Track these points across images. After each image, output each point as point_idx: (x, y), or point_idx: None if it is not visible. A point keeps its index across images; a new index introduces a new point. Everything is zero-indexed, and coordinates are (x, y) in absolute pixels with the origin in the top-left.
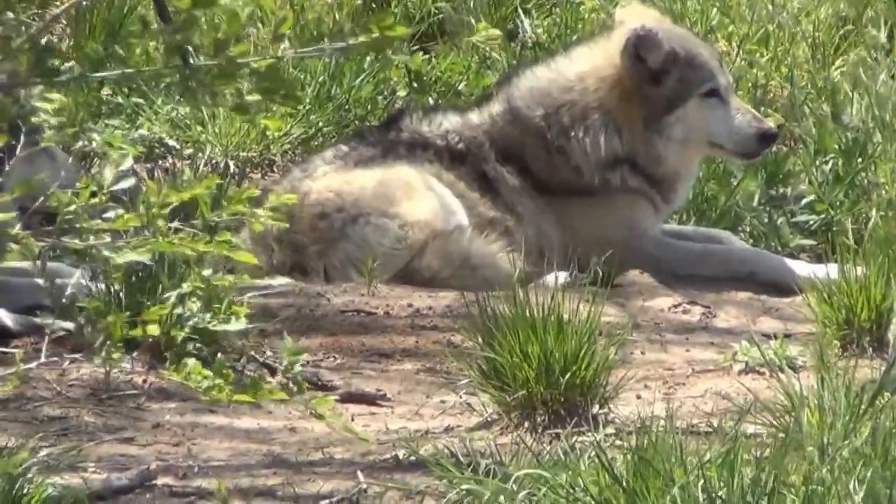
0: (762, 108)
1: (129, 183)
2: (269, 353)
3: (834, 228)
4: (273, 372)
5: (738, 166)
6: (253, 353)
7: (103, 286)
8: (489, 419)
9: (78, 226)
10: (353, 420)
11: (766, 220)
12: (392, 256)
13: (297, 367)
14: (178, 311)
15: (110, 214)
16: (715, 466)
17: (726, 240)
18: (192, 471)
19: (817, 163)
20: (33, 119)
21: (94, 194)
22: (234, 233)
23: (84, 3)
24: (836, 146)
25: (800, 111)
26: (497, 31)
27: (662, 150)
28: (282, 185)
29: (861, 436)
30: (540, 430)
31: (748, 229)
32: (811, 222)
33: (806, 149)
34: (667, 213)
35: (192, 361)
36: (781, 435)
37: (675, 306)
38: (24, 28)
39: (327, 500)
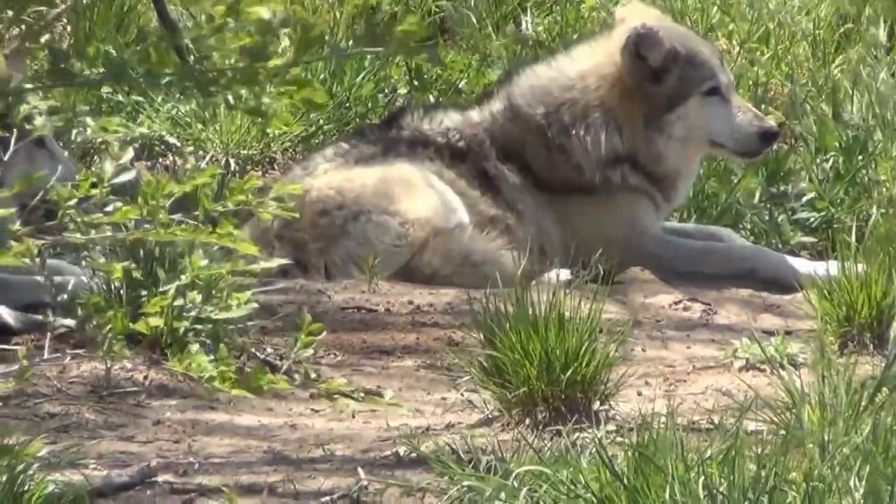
0: (763, 107)
1: (129, 175)
2: (269, 349)
3: (834, 226)
4: (274, 368)
5: (739, 164)
6: (253, 349)
7: (104, 283)
8: (490, 416)
9: (79, 220)
10: (353, 417)
11: (766, 217)
12: (393, 254)
13: (307, 352)
14: (179, 302)
15: (110, 208)
16: (716, 463)
17: (727, 237)
18: (193, 468)
19: (818, 160)
20: (23, 107)
21: (94, 186)
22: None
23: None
24: (837, 144)
25: (800, 109)
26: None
27: (663, 148)
28: (283, 182)
29: (862, 432)
30: (541, 427)
31: (749, 227)
32: (812, 220)
33: (806, 146)
34: (667, 210)
35: (195, 347)
36: (782, 432)
37: (676, 303)
38: (42, 29)
39: (328, 497)
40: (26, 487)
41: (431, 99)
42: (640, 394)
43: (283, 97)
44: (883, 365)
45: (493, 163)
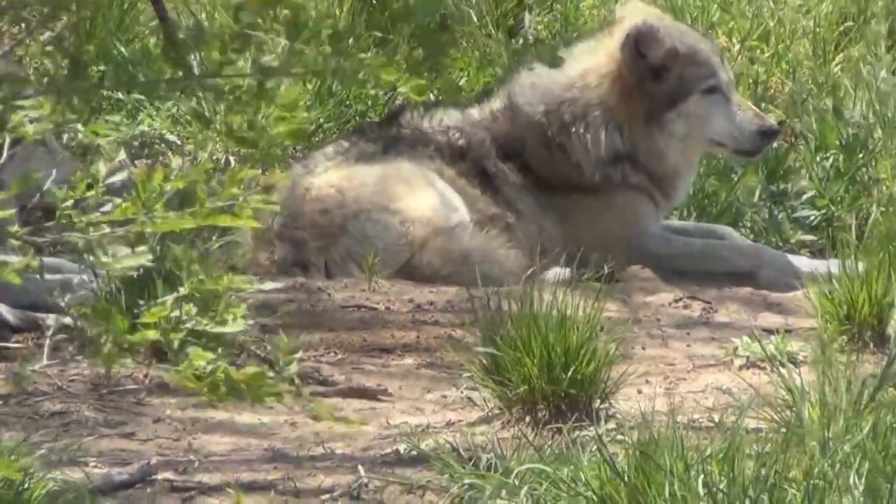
0: (763, 105)
1: (122, 176)
2: (269, 347)
3: (834, 224)
4: (273, 367)
5: (739, 164)
6: (254, 347)
7: (103, 286)
8: (490, 414)
9: (77, 221)
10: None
11: (766, 215)
12: (393, 252)
13: (293, 367)
14: (175, 314)
15: (108, 207)
16: (716, 461)
17: (727, 235)
18: (193, 465)
19: (818, 158)
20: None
21: (89, 187)
22: (234, 230)
23: None
24: (837, 142)
25: (801, 107)
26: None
27: (664, 146)
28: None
29: (862, 431)
30: (541, 425)
31: (749, 225)
32: (812, 218)
33: (807, 144)
34: (667, 209)
35: (194, 350)
36: (782, 430)
37: (676, 301)
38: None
39: (328, 495)
40: (26, 485)
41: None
42: (640, 392)
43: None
44: (883, 363)
45: (493, 161)
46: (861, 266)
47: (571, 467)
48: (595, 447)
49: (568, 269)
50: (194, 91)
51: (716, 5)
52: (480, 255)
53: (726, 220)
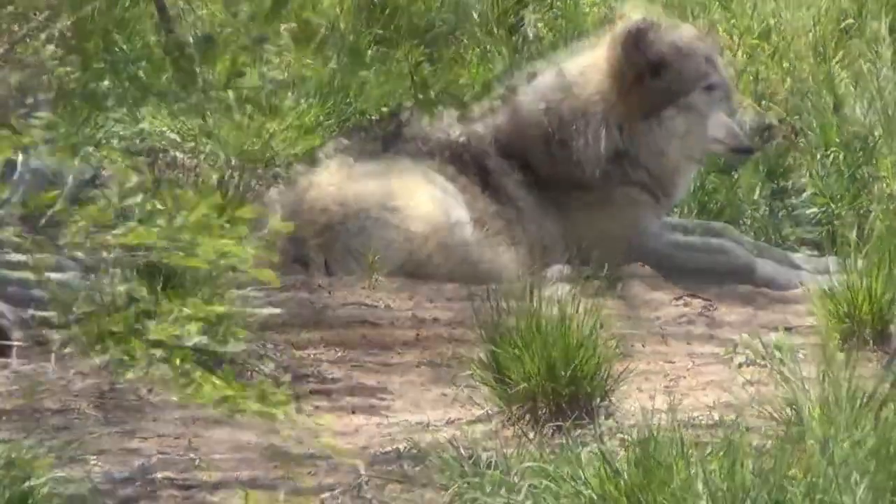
0: (763, 102)
1: (136, 199)
2: (269, 346)
3: (835, 222)
4: (276, 381)
5: (737, 162)
6: (254, 346)
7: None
8: (490, 412)
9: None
10: (353, 412)
11: (766, 213)
12: (393, 250)
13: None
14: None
15: (119, 231)
16: (716, 459)
17: (727, 233)
18: (194, 464)
19: (818, 156)
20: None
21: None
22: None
23: None
24: (837, 140)
25: (801, 105)
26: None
27: (663, 143)
28: (287, 193)
29: (863, 429)
30: (541, 423)
31: (749, 223)
32: (812, 216)
33: (807, 142)
34: (668, 206)
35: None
36: (782, 428)
37: (677, 299)
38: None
39: (328, 493)
40: (28, 484)
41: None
42: (640, 390)
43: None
44: (884, 360)
45: (493, 159)
46: (861, 264)
47: (571, 465)
48: (595, 445)
49: (568, 267)
50: (202, 106)
51: (716, 3)
52: (480, 253)
53: (726, 218)
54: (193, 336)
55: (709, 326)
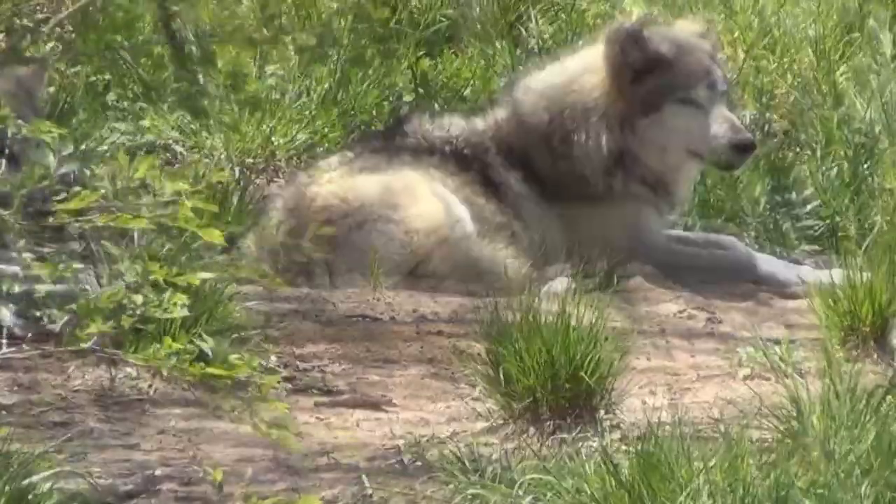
0: (768, 114)
1: (73, 167)
2: (274, 357)
3: (839, 233)
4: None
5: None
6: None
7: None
8: (495, 424)
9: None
10: (358, 425)
11: (771, 225)
12: (397, 262)
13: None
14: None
15: (62, 196)
16: (721, 471)
17: (731, 245)
18: (197, 476)
19: (823, 167)
20: None
21: (43, 178)
22: (240, 239)
23: None
24: (843, 151)
25: (806, 116)
26: None
27: (665, 139)
28: (287, 190)
29: (866, 440)
30: (546, 435)
31: (753, 234)
32: (816, 227)
33: (812, 153)
34: (670, 215)
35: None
36: (787, 439)
37: (680, 312)
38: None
39: (329, 492)
40: (31, 496)
41: (436, 106)
42: (644, 402)
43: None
44: (887, 372)
45: (497, 170)
46: (865, 275)
47: (576, 477)
48: (599, 457)
49: (572, 279)
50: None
51: (721, 15)
52: (485, 264)
53: (731, 230)
54: (138, 305)
55: (713, 338)
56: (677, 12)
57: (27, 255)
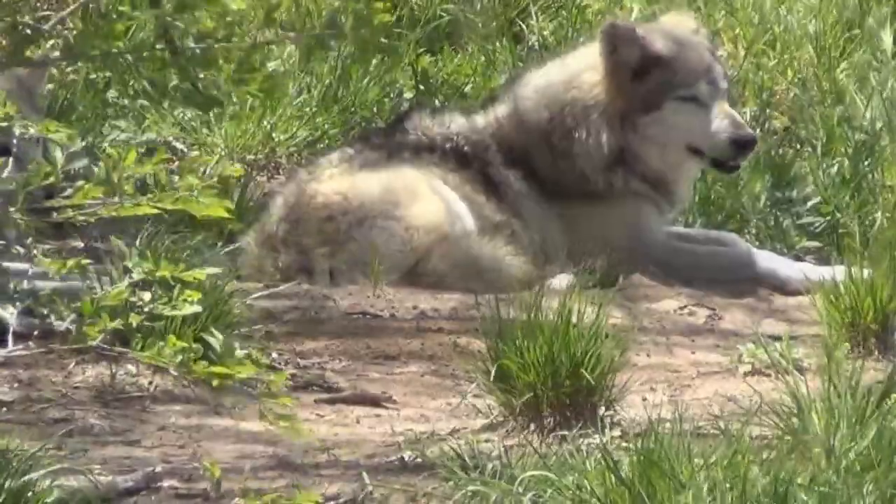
0: (768, 111)
1: (81, 163)
2: (274, 354)
3: (840, 231)
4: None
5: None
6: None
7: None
8: (495, 421)
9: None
10: (357, 420)
11: (772, 222)
12: (398, 259)
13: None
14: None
15: (68, 192)
16: (721, 468)
17: (732, 242)
18: (198, 473)
19: (824, 165)
20: None
21: (48, 175)
22: (239, 236)
23: None
24: (843, 149)
25: (806, 113)
26: None
27: (665, 136)
28: (288, 187)
29: (867, 437)
30: (546, 432)
31: (754, 231)
32: (817, 224)
33: (812, 151)
34: (671, 213)
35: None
36: (788, 437)
37: (681, 308)
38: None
39: (332, 502)
40: (31, 493)
41: (437, 103)
42: (645, 399)
43: (243, 86)
44: (888, 369)
45: (498, 168)
46: (866, 272)
47: (576, 474)
48: (600, 454)
49: (572, 276)
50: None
51: (722, 12)
52: (485, 262)
53: (731, 227)
54: (147, 302)
55: (714, 336)
56: (677, 9)
57: (37, 252)
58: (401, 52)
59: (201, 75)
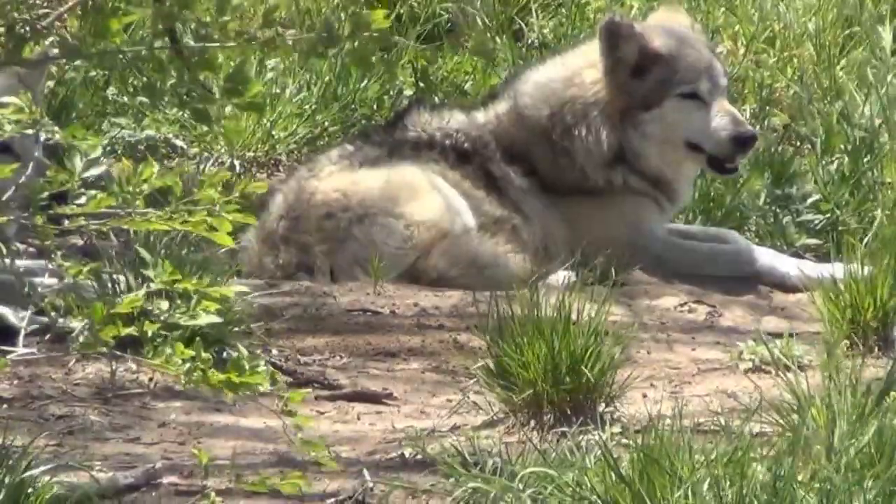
0: (768, 108)
1: (99, 170)
2: (275, 351)
3: (839, 228)
4: (279, 370)
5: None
6: (259, 352)
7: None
8: (495, 418)
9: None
10: (359, 418)
11: (771, 219)
12: (398, 256)
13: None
14: (149, 307)
15: (83, 200)
16: (722, 465)
17: (732, 239)
18: (198, 469)
19: (823, 162)
20: None
21: (64, 182)
22: (239, 233)
23: None
24: (843, 146)
25: (806, 111)
26: None
27: (638, 146)
28: (288, 184)
29: (867, 434)
30: (546, 429)
31: (754, 229)
32: (817, 222)
33: (812, 148)
34: (671, 211)
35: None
36: (788, 434)
37: (681, 305)
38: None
39: (333, 499)
40: (31, 489)
41: (437, 100)
42: (645, 396)
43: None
44: (888, 366)
45: (497, 164)
46: (866, 270)
47: (576, 471)
48: (600, 451)
49: (573, 273)
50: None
51: (721, 9)
52: (485, 259)
53: (731, 224)
54: (164, 311)
55: (714, 333)
56: (676, 6)
57: (57, 257)
58: (395, 71)
59: (200, 77)
